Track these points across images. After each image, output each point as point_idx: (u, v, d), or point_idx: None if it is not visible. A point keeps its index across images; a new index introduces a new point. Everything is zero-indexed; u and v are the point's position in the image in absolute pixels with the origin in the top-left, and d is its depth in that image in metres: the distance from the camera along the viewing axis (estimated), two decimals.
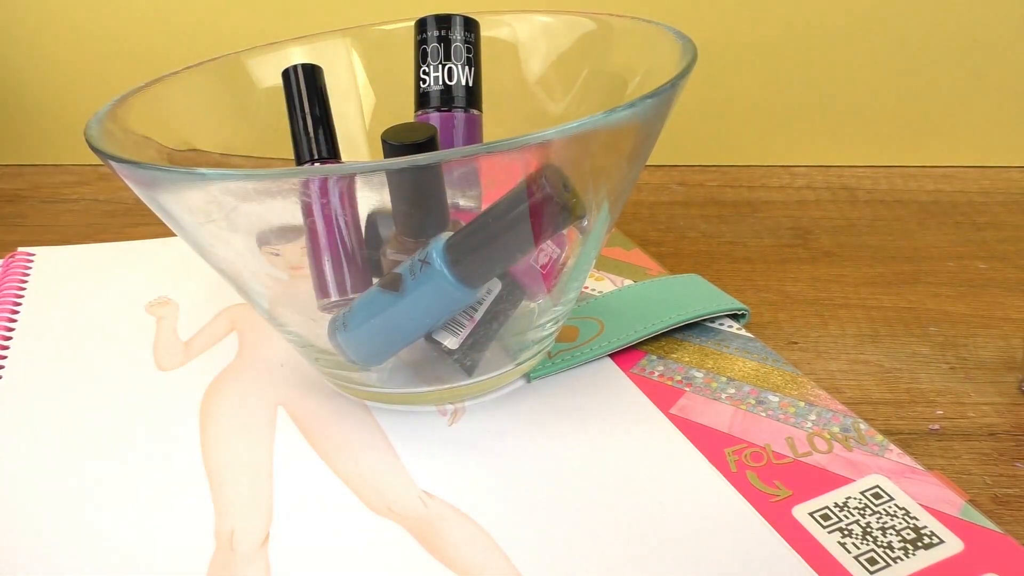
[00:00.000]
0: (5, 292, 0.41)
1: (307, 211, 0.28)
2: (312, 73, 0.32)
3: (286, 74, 0.32)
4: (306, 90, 0.32)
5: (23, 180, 0.60)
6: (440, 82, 0.32)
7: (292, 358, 0.35)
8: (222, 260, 0.29)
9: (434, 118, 0.32)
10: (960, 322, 0.38)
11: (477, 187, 0.29)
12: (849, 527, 0.26)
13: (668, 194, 0.53)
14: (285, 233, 0.28)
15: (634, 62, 0.34)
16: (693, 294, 0.37)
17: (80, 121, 0.29)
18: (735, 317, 0.37)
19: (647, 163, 0.32)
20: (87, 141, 0.27)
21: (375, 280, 0.30)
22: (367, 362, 0.31)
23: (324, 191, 0.27)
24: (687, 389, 0.32)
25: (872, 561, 0.24)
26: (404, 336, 0.29)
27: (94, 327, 0.39)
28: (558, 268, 0.30)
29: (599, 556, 0.25)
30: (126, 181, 0.27)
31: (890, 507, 0.26)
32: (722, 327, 0.36)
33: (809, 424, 0.30)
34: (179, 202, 0.26)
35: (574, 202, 0.26)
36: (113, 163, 0.26)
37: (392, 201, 0.28)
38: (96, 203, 0.56)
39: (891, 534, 0.25)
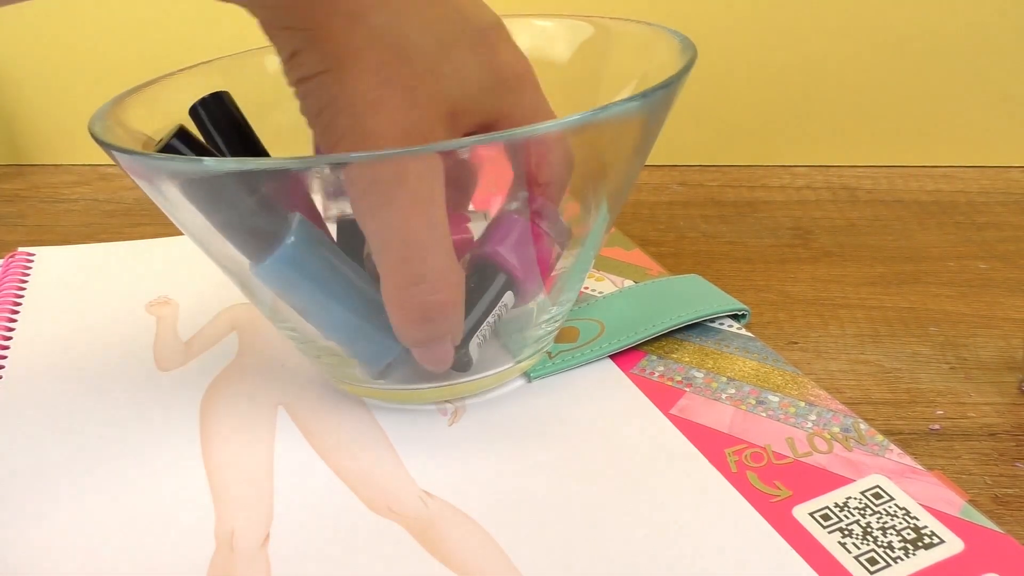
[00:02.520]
0: (5, 292, 0.41)
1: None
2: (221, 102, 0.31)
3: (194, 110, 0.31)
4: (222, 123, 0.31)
5: (23, 180, 0.60)
6: None
7: (292, 358, 0.35)
8: (227, 257, 0.29)
9: None
10: (960, 322, 0.38)
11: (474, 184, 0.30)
12: (849, 527, 0.26)
13: (668, 194, 0.53)
14: None
15: (633, 65, 0.34)
16: (694, 294, 0.37)
17: (80, 121, 0.29)
18: (735, 317, 0.37)
19: (647, 163, 0.32)
20: (92, 136, 0.27)
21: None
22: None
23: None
24: (687, 389, 0.32)
25: (872, 561, 0.24)
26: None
27: (94, 327, 0.39)
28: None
29: (599, 556, 0.25)
30: (130, 174, 0.27)
31: (890, 507, 0.26)
32: (722, 327, 0.36)
33: (809, 424, 0.30)
34: (184, 195, 0.26)
35: None
36: (118, 155, 0.26)
37: None
38: (96, 203, 0.56)
39: (891, 534, 0.25)
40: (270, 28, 0.25)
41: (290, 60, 0.25)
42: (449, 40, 0.25)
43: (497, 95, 0.26)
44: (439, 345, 0.28)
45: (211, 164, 0.24)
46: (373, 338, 0.29)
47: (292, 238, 0.26)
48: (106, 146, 0.26)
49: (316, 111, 0.25)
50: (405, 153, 0.24)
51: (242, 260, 0.28)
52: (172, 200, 0.27)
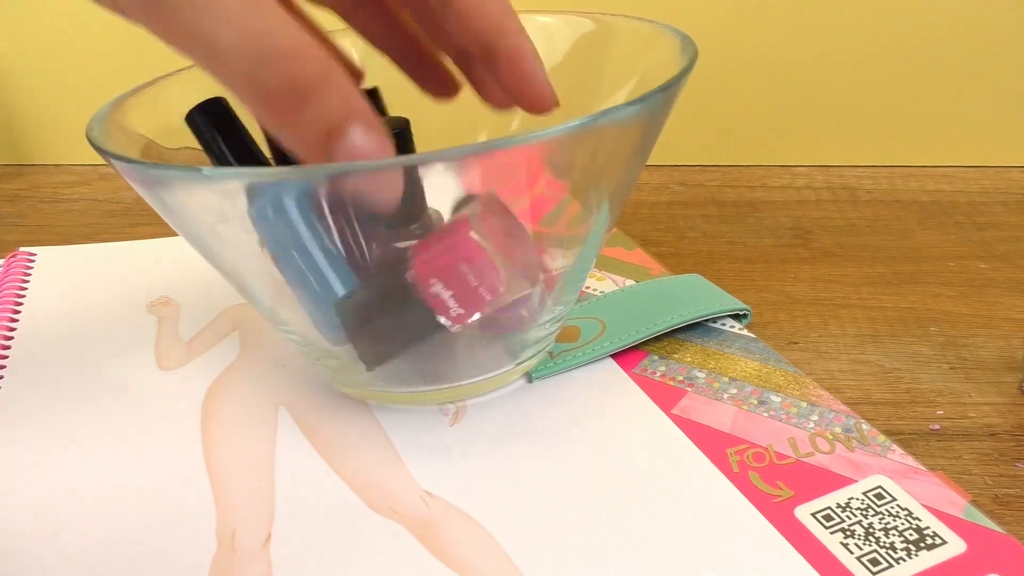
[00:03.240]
0: (7, 292, 0.41)
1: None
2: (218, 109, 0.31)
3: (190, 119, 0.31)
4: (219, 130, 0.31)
5: (23, 180, 0.60)
6: None
7: (294, 358, 0.35)
8: (224, 260, 0.29)
9: None
10: (960, 322, 0.38)
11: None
12: (851, 528, 0.26)
13: (668, 194, 0.53)
14: None
15: (634, 62, 0.34)
16: (695, 294, 0.37)
17: (80, 121, 0.29)
18: (737, 317, 0.37)
19: (647, 163, 0.32)
20: (90, 141, 0.27)
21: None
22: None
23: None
24: (689, 389, 0.32)
25: (875, 562, 0.24)
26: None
27: (96, 327, 0.39)
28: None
29: (600, 556, 0.25)
30: (128, 181, 0.27)
31: (892, 508, 0.26)
32: (724, 327, 0.36)
33: (811, 424, 0.30)
34: (182, 202, 0.26)
35: None
36: (116, 162, 0.26)
37: None
38: (96, 203, 0.56)
39: (894, 535, 0.25)
40: None
41: None
42: None
43: None
44: (353, 140, 0.22)
45: (209, 174, 0.24)
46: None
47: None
48: (103, 152, 0.26)
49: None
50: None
51: (241, 266, 0.29)
52: (169, 205, 0.27)
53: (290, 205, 0.26)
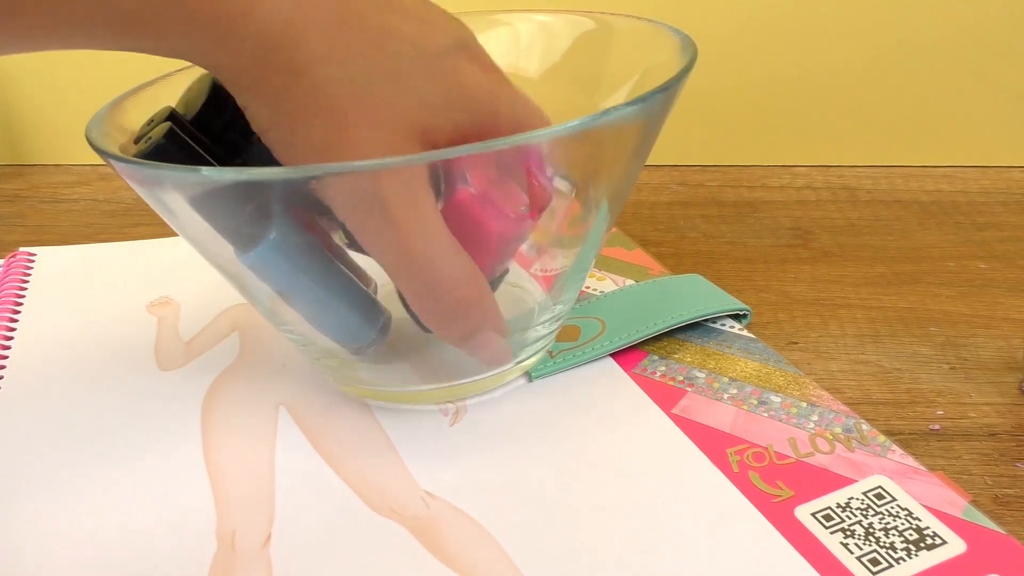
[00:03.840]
0: (6, 292, 0.41)
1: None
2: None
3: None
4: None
5: (23, 180, 0.60)
6: None
7: (294, 358, 0.35)
8: (224, 260, 0.29)
9: None
10: (960, 322, 0.38)
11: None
12: (851, 528, 0.26)
13: (668, 194, 0.53)
14: None
15: (634, 61, 0.34)
16: (695, 294, 0.37)
17: (80, 121, 0.29)
18: (737, 317, 0.37)
19: (647, 163, 0.32)
20: (89, 142, 0.27)
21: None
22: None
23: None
24: (689, 389, 0.32)
25: (875, 562, 0.24)
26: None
27: (96, 327, 0.39)
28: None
29: (600, 556, 0.25)
30: (127, 181, 0.27)
31: (892, 508, 0.26)
32: (724, 327, 0.36)
33: (811, 424, 0.30)
34: (180, 201, 0.26)
35: None
36: (114, 162, 0.26)
37: None
38: (96, 203, 0.56)
39: (893, 535, 0.25)
40: (224, 83, 0.26)
41: (246, 113, 0.26)
42: (404, 72, 0.25)
43: (468, 111, 0.26)
44: (484, 339, 0.29)
45: (209, 174, 0.24)
46: (347, 324, 0.29)
47: (274, 233, 0.26)
48: (103, 153, 0.26)
49: (284, 159, 0.26)
50: (402, 163, 0.24)
51: (240, 266, 0.28)
52: (168, 205, 0.27)
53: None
